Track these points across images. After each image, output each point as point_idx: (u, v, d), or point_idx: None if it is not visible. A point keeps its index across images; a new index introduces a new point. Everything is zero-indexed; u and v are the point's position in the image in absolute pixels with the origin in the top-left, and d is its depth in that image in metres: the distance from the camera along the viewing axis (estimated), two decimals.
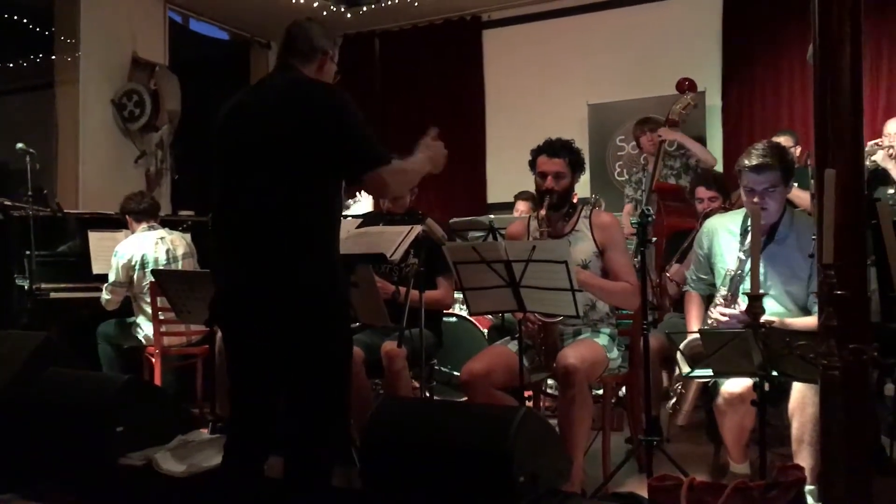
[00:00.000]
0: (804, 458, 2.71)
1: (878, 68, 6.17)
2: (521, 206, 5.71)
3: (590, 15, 7.38)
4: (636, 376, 3.47)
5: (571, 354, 3.02)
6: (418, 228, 3.29)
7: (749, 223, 2.99)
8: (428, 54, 7.93)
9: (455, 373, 4.23)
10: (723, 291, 3.09)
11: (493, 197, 7.64)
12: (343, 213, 3.30)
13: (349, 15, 7.63)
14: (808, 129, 2.20)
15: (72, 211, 5.59)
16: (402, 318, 3.32)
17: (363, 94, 7.54)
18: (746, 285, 2.85)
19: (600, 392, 3.57)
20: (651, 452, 3.09)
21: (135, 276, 4.70)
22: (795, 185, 3.94)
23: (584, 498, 2.92)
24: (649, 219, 3.29)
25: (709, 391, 3.09)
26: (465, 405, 3.24)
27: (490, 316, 4.48)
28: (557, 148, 3.31)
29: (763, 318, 2.32)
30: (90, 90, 6.71)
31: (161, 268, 4.60)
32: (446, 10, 7.78)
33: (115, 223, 5.18)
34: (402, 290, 3.45)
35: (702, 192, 4.20)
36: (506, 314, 4.00)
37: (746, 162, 3.06)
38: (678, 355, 3.02)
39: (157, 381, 4.48)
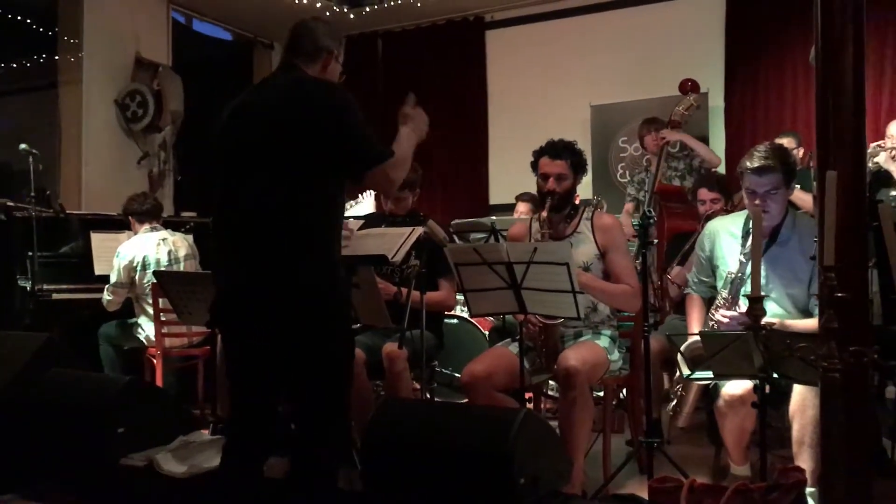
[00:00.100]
0: (805, 461, 2.71)
1: (882, 70, 6.15)
2: (522, 208, 5.71)
3: (593, 16, 7.37)
4: (637, 378, 3.47)
5: (572, 356, 3.02)
6: (420, 230, 3.28)
7: (751, 225, 2.98)
8: (431, 55, 7.93)
9: (456, 374, 4.23)
10: (724, 294, 3.08)
11: (494, 198, 7.63)
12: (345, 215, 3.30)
13: (352, 16, 7.65)
14: (812, 130, 2.20)
15: (74, 212, 5.59)
16: (404, 320, 3.32)
17: (366, 94, 7.54)
18: (748, 288, 2.84)
19: (601, 394, 3.57)
20: (651, 454, 3.08)
21: (136, 278, 4.71)
22: (798, 187, 3.94)
23: (585, 499, 2.92)
24: (651, 221, 3.29)
25: (709, 393, 3.08)
26: (466, 407, 3.23)
27: (491, 318, 4.48)
28: (559, 149, 3.30)
29: (764, 321, 2.32)
30: (93, 90, 6.72)
31: (163, 269, 4.60)
32: (449, 10, 7.78)
33: (118, 224, 5.19)
34: (404, 291, 3.45)
35: (704, 193, 4.20)
36: (507, 316, 4.00)
37: (748, 164, 3.05)
38: (679, 357, 3.01)
39: (159, 381, 4.48)
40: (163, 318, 4.50)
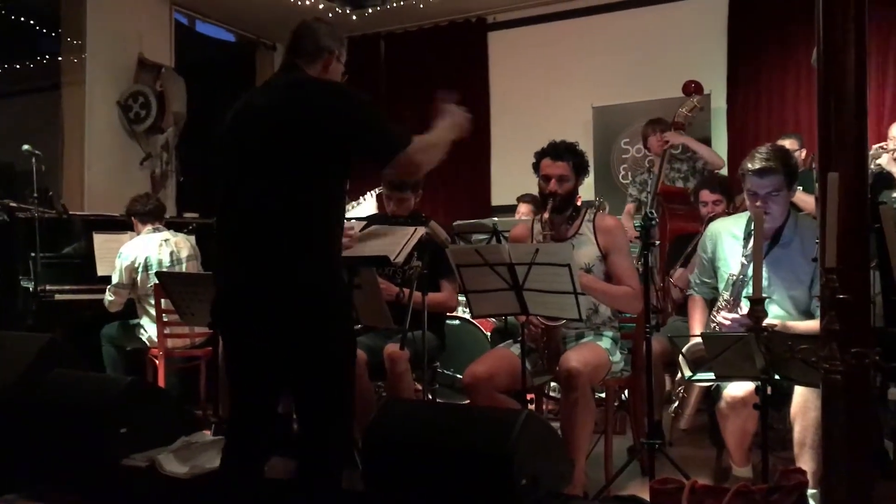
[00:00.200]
0: (806, 462, 2.71)
1: (885, 71, 6.14)
2: (523, 209, 5.71)
3: (595, 17, 7.37)
4: (639, 380, 3.47)
5: (574, 358, 3.02)
6: (422, 231, 3.29)
7: (753, 227, 2.98)
8: (433, 56, 7.92)
9: (458, 375, 4.23)
10: (725, 295, 3.08)
11: (496, 199, 7.63)
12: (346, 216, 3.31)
13: (354, 17, 7.66)
14: (814, 132, 2.20)
15: (77, 212, 5.60)
16: (405, 321, 3.32)
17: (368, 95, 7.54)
18: (749, 289, 2.84)
19: (603, 395, 3.56)
20: (653, 456, 3.08)
21: (138, 278, 4.71)
22: (800, 188, 3.94)
23: (586, 500, 2.92)
24: (653, 222, 3.29)
25: (711, 395, 3.09)
26: (468, 408, 3.24)
27: (493, 319, 4.48)
28: (561, 151, 3.30)
29: (765, 322, 2.32)
30: (96, 91, 6.73)
31: (165, 270, 4.61)
32: (451, 12, 7.78)
33: (121, 225, 5.19)
34: (406, 292, 3.46)
35: (706, 195, 4.20)
36: (509, 317, 4.00)
37: (749, 165, 3.05)
38: (681, 359, 3.01)
39: (161, 382, 4.48)
40: (165, 319, 4.50)
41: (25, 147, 5.13)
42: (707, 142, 6.07)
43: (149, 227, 4.88)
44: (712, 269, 3.27)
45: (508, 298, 2.90)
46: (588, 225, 3.36)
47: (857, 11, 2.06)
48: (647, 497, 2.53)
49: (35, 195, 4.98)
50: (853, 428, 2.00)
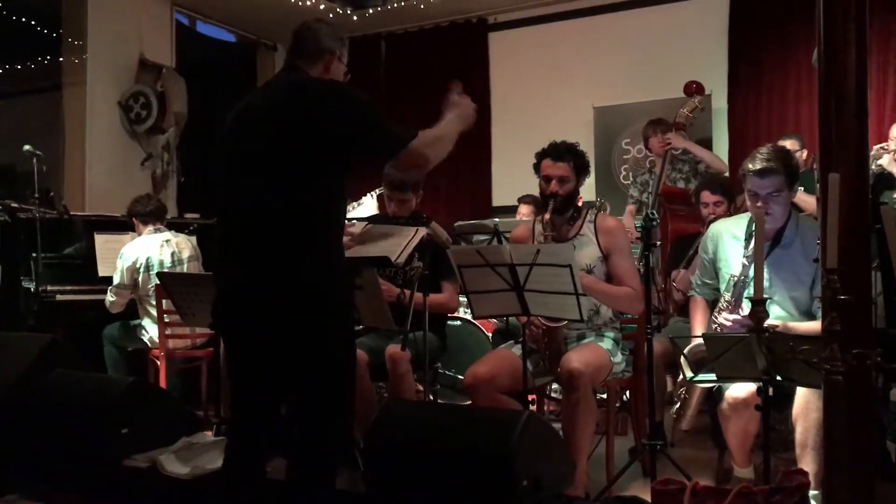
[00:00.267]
0: (808, 463, 2.71)
1: (886, 71, 6.13)
2: (523, 210, 5.70)
3: (596, 17, 7.37)
4: (640, 381, 3.46)
5: (575, 358, 3.02)
6: (423, 231, 3.29)
7: (754, 228, 2.98)
8: (434, 57, 7.92)
9: (459, 376, 4.23)
10: (727, 296, 3.08)
11: (497, 200, 7.63)
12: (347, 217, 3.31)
13: (355, 17, 7.66)
14: (815, 132, 2.20)
15: (78, 213, 5.60)
16: (407, 322, 3.32)
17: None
18: (751, 290, 2.84)
19: (604, 396, 3.56)
20: (655, 457, 3.08)
21: (139, 279, 4.71)
22: (801, 189, 3.93)
23: (588, 501, 2.92)
24: (654, 223, 3.29)
25: (713, 396, 3.08)
26: (469, 409, 3.24)
27: (494, 319, 4.47)
28: (562, 151, 3.30)
29: (767, 323, 2.31)
30: (97, 92, 6.73)
31: (166, 270, 4.61)
32: (452, 12, 7.79)
33: (122, 225, 5.19)
34: (407, 293, 3.46)
35: (707, 196, 4.20)
36: (510, 318, 4.00)
37: (750, 166, 3.05)
38: (682, 360, 3.01)
39: (162, 383, 4.48)
40: (166, 320, 4.50)
41: (26, 147, 5.13)
42: (708, 142, 6.07)
43: (150, 227, 4.88)
44: (713, 270, 3.26)
45: (509, 299, 2.90)
46: (589, 226, 3.36)
47: (858, 11, 2.06)
48: (648, 498, 2.53)
49: (36, 196, 4.98)
50: (855, 429, 2.00)
